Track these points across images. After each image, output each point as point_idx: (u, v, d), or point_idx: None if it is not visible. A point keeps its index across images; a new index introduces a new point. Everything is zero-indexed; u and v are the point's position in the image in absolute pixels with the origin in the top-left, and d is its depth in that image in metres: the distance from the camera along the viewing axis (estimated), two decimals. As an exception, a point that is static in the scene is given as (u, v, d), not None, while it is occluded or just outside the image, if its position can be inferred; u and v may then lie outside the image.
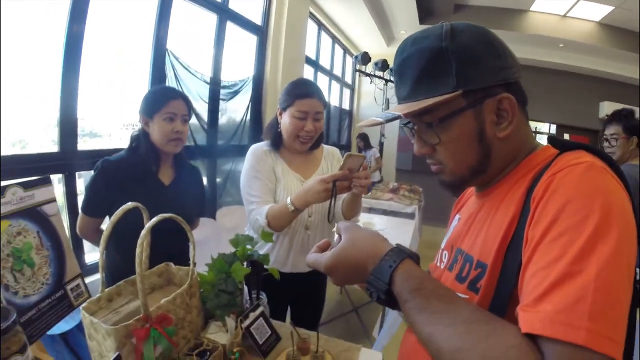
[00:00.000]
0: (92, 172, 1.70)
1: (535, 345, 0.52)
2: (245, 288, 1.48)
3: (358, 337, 3.40)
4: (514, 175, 0.78)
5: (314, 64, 6.23)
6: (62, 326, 1.58)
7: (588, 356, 0.49)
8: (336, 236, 0.80)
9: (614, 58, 7.23)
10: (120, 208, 1.17)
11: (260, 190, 1.77)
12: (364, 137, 7.04)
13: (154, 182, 1.76)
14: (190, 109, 1.81)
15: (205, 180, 3.72)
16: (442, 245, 0.98)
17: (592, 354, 0.48)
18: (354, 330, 3.58)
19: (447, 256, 0.93)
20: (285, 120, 1.78)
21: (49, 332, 1.53)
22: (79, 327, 1.61)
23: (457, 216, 1.00)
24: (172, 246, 1.51)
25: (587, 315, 0.50)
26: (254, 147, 1.88)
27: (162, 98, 1.72)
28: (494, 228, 0.74)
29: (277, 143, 1.87)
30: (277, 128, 1.85)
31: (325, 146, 2.03)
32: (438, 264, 0.96)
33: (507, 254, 0.68)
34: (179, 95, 1.77)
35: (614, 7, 5.97)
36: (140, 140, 1.75)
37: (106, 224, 1.75)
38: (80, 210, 1.73)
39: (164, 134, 1.71)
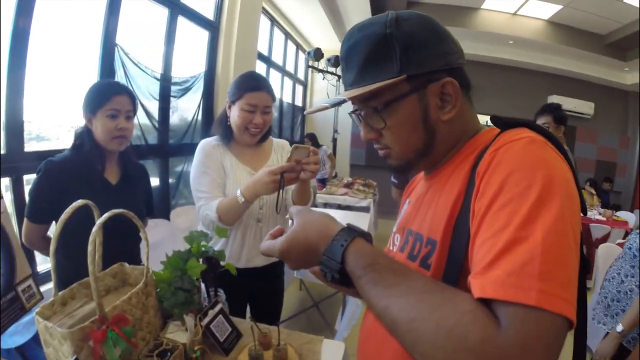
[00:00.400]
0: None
1: (489, 310, 0.52)
2: (203, 286, 1.47)
3: (320, 331, 3.38)
4: (458, 156, 0.81)
5: (267, 60, 6.19)
6: (17, 339, 1.52)
7: (541, 316, 0.49)
8: (290, 222, 0.80)
9: (562, 54, 7.71)
10: (70, 206, 1.14)
11: (209, 186, 1.77)
12: (312, 137, 7.09)
13: (100, 182, 1.69)
14: (135, 104, 1.75)
15: (157, 181, 3.65)
16: (394, 230, 1.01)
17: (546, 313, 0.49)
18: (315, 325, 3.61)
19: (399, 239, 0.95)
20: (235, 114, 1.79)
21: (5, 346, 1.48)
22: (35, 339, 1.55)
23: (407, 200, 1.03)
24: (122, 249, 1.48)
25: (536, 277, 0.51)
26: (202, 142, 1.88)
27: (105, 94, 1.65)
28: (441, 206, 0.76)
29: (226, 137, 1.87)
30: (227, 122, 1.85)
31: (274, 139, 2.05)
32: (391, 248, 0.99)
33: (455, 229, 0.71)
34: (123, 90, 1.70)
35: (562, 6, 6.31)
36: (84, 138, 1.68)
37: (53, 230, 1.69)
38: (25, 217, 1.64)
39: (107, 131, 1.64)
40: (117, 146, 1.69)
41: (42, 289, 1.29)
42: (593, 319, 2.17)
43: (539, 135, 0.67)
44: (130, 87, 3.04)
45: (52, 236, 1.65)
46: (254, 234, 1.86)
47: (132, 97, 1.73)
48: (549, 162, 0.61)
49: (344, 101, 0.81)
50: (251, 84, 1.77)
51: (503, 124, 0.75)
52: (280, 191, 1.60)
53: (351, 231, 0.69)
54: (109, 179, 1.73)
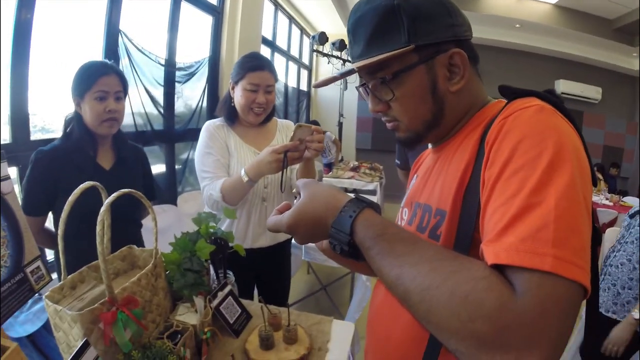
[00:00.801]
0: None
1: (504, 276, 0.51)
2: (211, 267, 1.47)
3: (329, 314, 3.38)
4: (467, 127, 0.81)
5: (271, 44, 6.14)
6: (28, 327, 1.51)
7: (557, 282, 0.49)
8: (295, 199, 0.79)
9: (569, 39, 7.59)
10: (78, 188, 1.11)
11: (213, 166, 1.78)
12: (315, 124, 7.04)
13: (94, 168, 1.63)
14: (125, 84, 1.67)
15: (163, 167, 3.63)
16: (402, 205, 1.00)
17: (560, 279, 0.49)
18: (324, 308, 3.62)
19: (407, 213, 0.95)
20: (238, 94, 1.80)
21: (15, 335, 1.47)
22: (46, 327, 1.54)
23: (415, 175, 1.03)
24: (125, 236, 1.45)
25: (551, 243, 0.50)
26: (207, 123, 1.90)
27: (92, 75, 1.57)
28: (450, 176, 0.76)
29: (231, 117, 1.88)
30: (231, 102, 1.86)
31: (279, 120, 2.05)
32: (399, 222, 0.98)
33: (464, 198, 0.70)
34: (110, 70, 1.61)
35: None
36: (74, 124, 1.62)
37: (50, 223, 1.67)
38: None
39: (96, 114, 1.57)
40: (107, 130, 1.62)
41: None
42: (600, 307, 2.13)
43: (548, 104, 0.66)
44: (135, 73, 3.02)
45: (49, 227, 1.67)
46: (259, 213, 1.87)
47: (120, 77, 1.65)
48: (559, 129, 0.60)
49: (352, 71, 0.80)
50: (253, 64, 1.78)
51: (511, 93, 0.74)
52: (284, 170, 1.59)
53: (359, 202, 0.67)
54: (102, 164, 1.67)
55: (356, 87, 0.90)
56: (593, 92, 8.59)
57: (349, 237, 0.64)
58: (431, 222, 0.77)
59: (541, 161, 0.56)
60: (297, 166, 1.79)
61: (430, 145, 0.94)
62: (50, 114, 2.53)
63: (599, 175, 6.96)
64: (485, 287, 0.50)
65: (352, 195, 0.71)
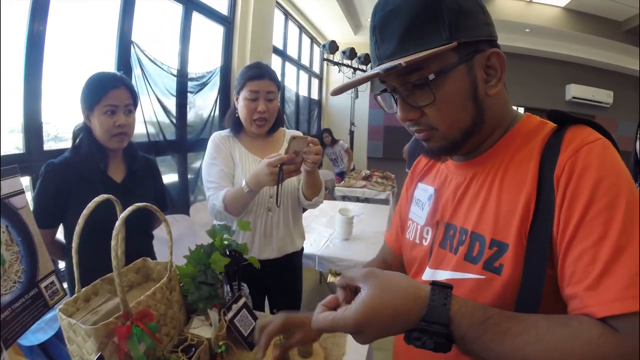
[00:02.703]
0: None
1: (609, 325, 0.55)
2: (225, 279, 1.45)
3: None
4: (505, 144, 0.77)
5: (282, 54, 6.17)
6: (40, 336, 1.51)
7: None
8: (339, 291, 0.69)
9: (579, 42, 7.55)
10: (92, 201, 1.10)
11: (217, 176, 1.77)
12: (328, 132, 7.07)
13: (104, 181, 1.60)
14: (135, 97, 1.65)
15: (176, 177, 3.66)
16: (422, 222, 0.92)
17: None
18: (337, 319, 3.56)
19: (430, 232, 0.89)
20: (240, 104, 1.80)
21: (28, 343, 1.46)
22: (58, 336, 1.54)
23: (423, 186, 0.97)
24: (136, 248, 1.42)
25: None
26: (213, 135, 1.89)
27: (101, 88, 1.54)
28: (505, 205, 0.71)
29: (237, 128, 1.88)
30: (236, 113, 1.86)
31: (287, 130, 2.03)
32: (417, 241, 0.93)
33: (532, 233, 0.67)
34: (119, 83, 1.57)
35: None
36: (83, 137, 1.59)
37: (61, 234, 1.65)
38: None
39: (106, 129, 1.54)
40: (117, 144, 1.60)
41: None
42: None
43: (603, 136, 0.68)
44: (147, 84, 3.04)
45: (60, 239, 1.65)
46: (264, 224, 1.85)
47: (130, 89, 1.62)
48: (624, 168, 0.63)
49: (378, 74, 0.70)
50: (252, 72, 1.78)
51: (562, 118, 0.72)
52: (279, 185, 1.57)
53: (443, 288, 0.61)
54: (114, 177, 1.65)
55: (375, 95, 0.83)
56: (604, 96, 8.54)
57: (446, 328, 0.58)
58: (486, 252, 0.72)
59: (620, 202, 0.59)
60: (301, 177, 1.78)
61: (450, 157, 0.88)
62: (64, 122, 2.54)
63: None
64: (604, 342, 0.54)
65: (427, 281, 0.65)
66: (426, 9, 0.68)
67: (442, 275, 0.80)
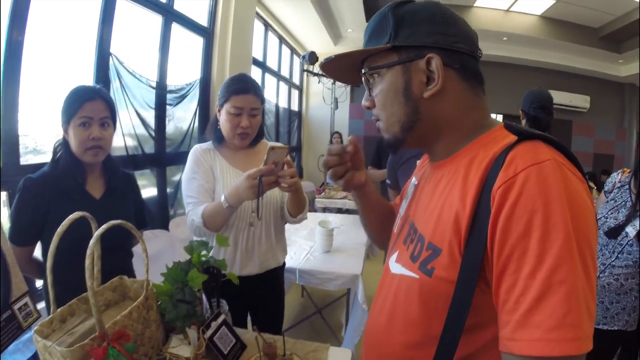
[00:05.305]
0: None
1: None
2: (204, 296, 1.44)
3: (325, 338, 3.36)
4: (466, 152, 0.80)
5: (261, 65, 6.18)
6: (18, 357, 1.48)
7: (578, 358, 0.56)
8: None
9: (556, 49, 7.76)
10: (67, 219, 1.08)
11: (196, 191, 1.75)
12: (340, 135, 7.05)
13: (83, 197, 1.57)
14: (112, 109, 1.61)
15: (155, 191, 3.61)
16: (402, 213, 1.02)
17: (580, 357, 0.56)
18: (320, 332, 3.56)
19: (400, 226, 0.99)
20: (223, 117, 1.78)
21: (5, 367, 1.43)
22: (36, 357, 1.50)
23: (413, 180, 1.05)
24: (115, 265, 1.40)
25: (575, 327, 0.55)
26: (194, 148, 1.87)
27: (77, 100, 1.51)
28: (446, 211, 0.75)
29: (218, 141, 1.87)
30: (217, 125, 1.84)
31: (268, 142, 2.00)
32: (395, 230, 1.03)
33: (468, 244, 0.68)
34: (95, 95, 1.55)
35: (555, 1, 6.36)
36: (62, 151, 1.57)
37: (38, 252, 1.61)
38: (8, 241, 1.54)
39: (79, 141, 1.51)
40: (92, 158, 1.56)
41: (38, 306, 1.23)
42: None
43: (556, 153, 0.66)
44: (126, 96, 3.01)
45: (37, 257, 1.61)
46: (246, 239, 1.82)
47: (107, 102, 1.59)
48: (569, 195, 0.61)
49: (345, 54, 0.88)
50: (237, 87, 1.75)
51: (516, 132, 0.73)
52: (260, 198, 1.55)
53: None
54: (92, 193, 1.62)
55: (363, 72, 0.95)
56: (581, 101, 8.75)
57: None
58: (423, 254, 0.78)
59: (557, 235, 0.58)
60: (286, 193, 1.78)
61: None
62: (42, 135, 2.49)
63: (592, 184, 7.00)
64: None
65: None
66: (381, 19, 0.85)
67: (397, 268, 0.88)
